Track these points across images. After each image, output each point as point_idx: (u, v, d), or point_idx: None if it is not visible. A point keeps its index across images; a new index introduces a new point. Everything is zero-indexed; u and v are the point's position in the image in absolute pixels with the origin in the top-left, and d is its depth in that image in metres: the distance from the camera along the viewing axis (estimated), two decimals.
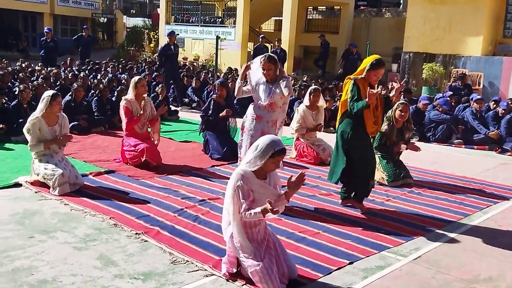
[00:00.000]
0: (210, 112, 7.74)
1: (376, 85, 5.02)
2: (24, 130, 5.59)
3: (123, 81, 12.17)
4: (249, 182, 3.46)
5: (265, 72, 5.34)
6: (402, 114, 6.58)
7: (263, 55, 5.44)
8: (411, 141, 6.83)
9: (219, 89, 7.86)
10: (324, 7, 23.89)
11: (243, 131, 5.53)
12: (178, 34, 13.64)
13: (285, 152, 3.55)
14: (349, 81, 5.11)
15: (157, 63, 14.62)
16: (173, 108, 11.81)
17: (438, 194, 6.19)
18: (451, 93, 11.22)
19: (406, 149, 6.71)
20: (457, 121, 10.06)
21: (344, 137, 5.12)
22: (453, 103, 10.74)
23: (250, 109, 5.57)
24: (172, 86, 13.34)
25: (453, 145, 9.69)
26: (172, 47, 12.94)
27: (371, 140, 5.51)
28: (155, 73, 14.02)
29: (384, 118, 6.84)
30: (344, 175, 5.17)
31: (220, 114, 7.67)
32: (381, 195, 6.04)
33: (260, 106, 5.48)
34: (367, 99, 4.83)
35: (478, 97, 10.31)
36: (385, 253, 4.27)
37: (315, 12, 24.24)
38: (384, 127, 6.65)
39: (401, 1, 22.50)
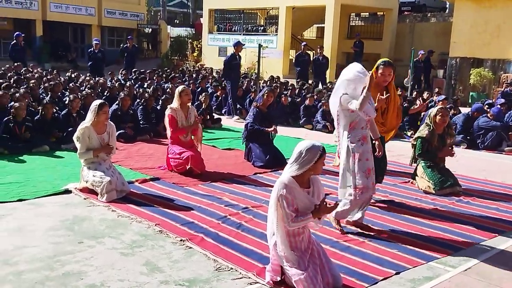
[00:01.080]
0: (252, 121, 7.71)
1: (391, 88, 5.15)
2: (74, 138, 5.77)
3: (168, 90, 12.40)
4: (292, 192, 3.46)
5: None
6: (443, 119, 6.45)
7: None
8: (446, 148, 6.65)
9: (268, 95, 7.83)
10: (367, 13, 23.67)
11: (355, 159, 4.73)
12: (244, 44, 13.57)
13: (325, 151, 3.57)
14: None
15: (222, 73, 14.46)
16: (216, 116, 11.93)
17: (488, 203, 5.98)
18: (503, 100, 10.83)
19: (442, 156, 6.56)
20: (508, 128, 9.72)
21: None
22: (503, 110, 10.38)
23: (351, 135, 4.75)
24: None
25: (504, 153, 9.36)
26: (237, 57, 12.99)
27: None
28: (215, 84, 14.19)
29: (423, 124, 6.73)
30: None
31: (267, 130, 7.66)
32: (428, 204, 5.89)
33: (363, 125, 4.77)
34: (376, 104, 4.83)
35: None
36: (433, 264, 4.16)
37: (357, 19, 24.05)
38: (425, 132, 6.52)
39: (447, 6, 22.03)
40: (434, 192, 6.27)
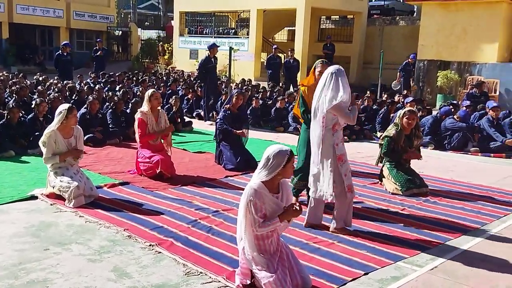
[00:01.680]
0: (222, 120, 7.74)
1: None
2: (40, 143, 5.65)
3: (138, 93, 12.28)
4: (261, 197, 3.46)
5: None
6: (409, 122, 6.58)
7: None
8: (413, 150, 6.75)
9: (238, 97, 7.87)
10: (337, 16, 23.93)
11: (341, 162, 4.79)
12: (219, 46, 13.42)
13: (293, 154, 3.56)
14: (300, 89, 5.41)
15: (198, 77, 14.22)
16: (187, 119, 11.86)
17: (455, 203, 6.11)
18: (469, 102, 11.09)
19: (409, 158, 6.67)
20: (473, 129, 9.95)
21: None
22: (469, 111, 10.60)
23: (335, 137, 4.80)
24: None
25: (470, 153, 9.57)
26: (212, 59, 12.87)
27: None
28: (186, 86, 14.03)
29: (392, 124, 6.87)
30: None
31: (235, 131, 7.67)
32: (396, 205, 5.97)
33: (342, 127, 4.91)
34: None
35: (495, 104, 10.20)
36: (401, 264, 4.22)
37: (328, 22, 24.29)
38: (392, 131, 6.63)
39: (415, 9, 22.45)
40: (401, 193, 6.37)
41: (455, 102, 11.49)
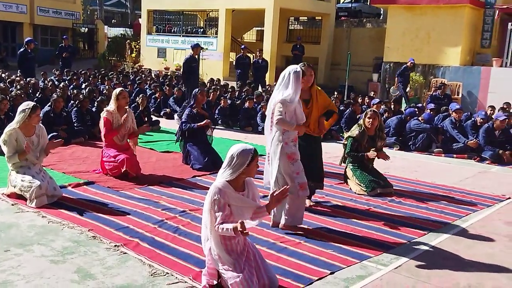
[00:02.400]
0: (186, 120, 7.67)
1: (313, 91, 5.37)
2: (0, 141, 5.49)
3: (104, 91, 12.08)
4: (226, 196, 3.46)
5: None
6: (370, 121, 6.65)
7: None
8: (383, 151, 6.83)
9: (201, 94, 7.84)
10: (306, 18, 24.09)
11: (292, 160, 4.84)
12: (202, 48, 13.23)
13: (257, 152, 3.57)
14: None
15: (181, 78, 13.88)
16: (154, 118, 11.73)
17: (419, 203, 6.23)
18: (433, 105, 11.32)
19: (378, 158, 6.73)
20: (437, 130, 10.18)
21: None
22: (433, 113, 10.83)
23: (285, 136, 4.84)
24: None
25: (433, 154, 9.79)
26: (195, 59, 12.66)
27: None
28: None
29: (356, 125, 6.95)
30: None
31: (199, 124, 7.60)
32: (363, 204, 6.05)
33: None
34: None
35: (457, 107, 10.45)
36: (366, 263, 4.27)
37: (296, 23, 24.43)
38: (355, 132, 6.70)
39: (381, 12, 22.81)
40: (366, 194, 6.45)
41: (420, 104, 11.72)
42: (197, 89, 8.17)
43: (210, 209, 3.46)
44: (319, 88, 5.52)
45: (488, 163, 9.14)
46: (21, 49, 15.05)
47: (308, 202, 5.72)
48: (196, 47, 12.74)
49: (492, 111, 11.67)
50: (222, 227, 3.39)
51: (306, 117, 5.24)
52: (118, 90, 6.92)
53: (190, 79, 12.43)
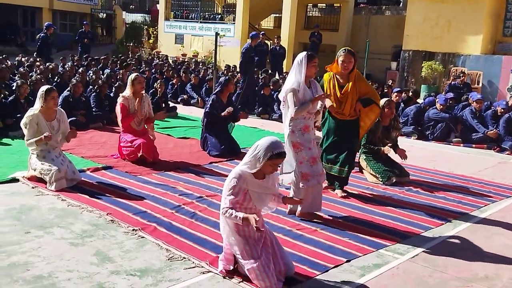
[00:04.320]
0: (210, 108, 7.66)
1: (352, 77, 5.34)
2: (22, 124, 5.56)
3: (119, 77, 12.14)
4: (245, 182, 3.46)
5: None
6: (391, 110, 6.56)
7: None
8: (399, 147, 6.67)
9: (231, 83, 7.83)
10: (324, 4, 23.86)
11: (297, 149, 4.86)
12: (260, 37, 13.22)
13: (285, 155, 3.54)
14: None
15: (240, 68, 13.60)
16: (172, 104, 11.78)
17: (436, 193, 6.18)
18: (452, 95, 11.15)
19: (396, 153, 6.65)
20: (456, 120, 10.06)
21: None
22: (450, 102, 10.67)
23: (292, 124, 4.85)
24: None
25: (452, 144, 9.68)
26: (253, 49, 12.58)
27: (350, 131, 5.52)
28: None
29: None
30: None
31: (222, 114, 7.59)
32: (379, 193, 6.03)
33: (305, 115, 4.87)
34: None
35: (478, 96, 10.30)
36: (382, 251, 4.26)
37: (314, 9, 24.21)
38: None
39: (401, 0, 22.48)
40: (382, 183, 6.41)
41: (441, 95, 11.55)
42: (226, 78, 8.10)
43: (226, 192, 3.48)
44: (360, 74, 5.48)
45: (508, 154, 9.02)
46: (42, 34, 15.21)
47: (339, 193, 5.76)
48: (256, 37, 12.74)
49: None
50: (231, 212, 3.39)
51: (340, 102, 5.30)
52: (133, 75, 6.95)
53: (247, 68, 12.41)
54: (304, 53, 4.91)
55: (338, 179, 5.75)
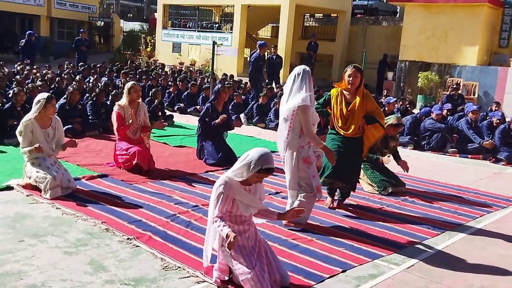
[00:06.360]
0: (206, 116, 7.67)
1: (360, 93, 5.25)
2: (17, 132, 5.55)
3: (120, 85, 12.14)
4: (232, 190, 3.45)
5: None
6: (391, 130, 6.55)
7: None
8: (401, 159, 6.55)
9: (224, 92, 7.80)
10: (321, 15, 23.99)
11: (308, 164, 4.85)
12: (267, 46, 13.50)
13: (272, 171, 3.50)
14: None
15: (249, 75, 13.72)
16: (168, 112, 11.77)
17: (432, 203, 6.18)
18: (450, 106, 11.16)
19: (398, 164, 6.62)
20: (452, 130, 10.09)
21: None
22: (444, 113, 10.66)
23: (301, 140, 4.82)
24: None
25: (448, 154, 9.70)
26: (262, 58, 12.69)
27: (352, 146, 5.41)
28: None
29: None
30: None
31: (217, 121, 7.58)
32: (375, 203, 6.03)
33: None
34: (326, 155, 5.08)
35: (474, 107, 10.35)
36: (378, 262, 4.25)
37: (312, 19, 24.33)
38: None
39: (398, 10, 22.62)
40: (378, 193, 6.41)
41: (436, 105, 11.60)
42: (220, 86, 8.10)
43: (214, 202, 3.47)
44: (368, 92, 5.36)
45: (503, 164, 9.04)
46: (26, 39, 17.01)
47: (329, 202, 5.72)
48: (264, 47, 12.80)
49: (496, 108, 11.61)
50: (219, 224, 3.39)
51: (346, 119, 5.22)
52: (129, 84, 6.94)
53: (256, 77, 12.45)
54: (306, 68, 4.86)
55: (341, 192, 5.70)
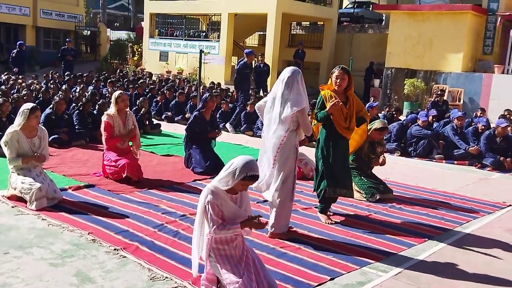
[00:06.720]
0: (193, 124, 7.68)
1: (350, 95, 5.30)
2: (2, 143, 5.49)
3: (107, 94, 12.09)
4: (218, 199, 3.43)
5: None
6: (376, 134, 6.67)
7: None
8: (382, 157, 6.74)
9: (212, 100, 7.80)
10: (308, 23, 24.14)
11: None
12: (254, 54, 13.64)
13: (257, 178, 3.50)
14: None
15: (234, 82, 13.75)
16: (155, 121, 11.75)
17: (419, 209, 6.22)
18: (435, 112, 11.25)
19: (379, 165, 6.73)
20: (438, 137, 10.17)
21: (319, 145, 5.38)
22: (430, 120, 10.75)
23: (296, 139, 4.88)
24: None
25: (434, 160, 9.78)
26: (248, 66, 12.73)
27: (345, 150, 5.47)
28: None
29: None
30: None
31: (210, 135, 7.67)
32: (363, 210, 6.04)
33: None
34: (327, 109, 5.08)
35: (460, 114, 10.45)
36: (366, 269, 4.26)
37: (298, 28, 24.47)
38: None
39: (384, 18, 22.84)
40: (366, 200, 6.44)
41: (422, 112, 11.69)
42: (208, 95, 8.11)
43: (203, 211, 3.43)
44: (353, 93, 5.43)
45: (489, 170, 9.13)
46: (17, 50, 17.35)
47: (324, 218, 5.51)
48: (251, 55, 12.86)
49: (481, 114, 11.75)
50: (223, 227, 3.36)
51: (346, 118, 5.24)
52: (117, 93, 6.91)
53: (243, 84, 12.49)
54: (296, 68, 4.91)
55: (333, 200, 5.59)
